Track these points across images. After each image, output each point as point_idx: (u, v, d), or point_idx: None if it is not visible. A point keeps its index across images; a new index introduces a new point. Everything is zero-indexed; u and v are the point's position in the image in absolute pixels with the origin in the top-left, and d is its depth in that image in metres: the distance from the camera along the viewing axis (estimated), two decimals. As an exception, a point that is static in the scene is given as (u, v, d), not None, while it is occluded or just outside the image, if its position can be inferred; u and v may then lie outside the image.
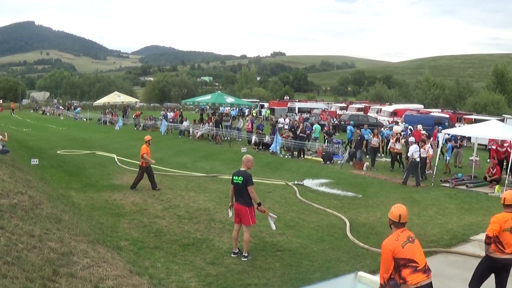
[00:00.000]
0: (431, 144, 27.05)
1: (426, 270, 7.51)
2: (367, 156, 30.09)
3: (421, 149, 25.60)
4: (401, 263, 7.41)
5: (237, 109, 61.13)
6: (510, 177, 23.14)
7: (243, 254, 12.21)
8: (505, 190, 22.03)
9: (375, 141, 28.78)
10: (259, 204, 12.31)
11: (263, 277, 11.07)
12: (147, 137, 21.46)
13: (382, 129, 37.61)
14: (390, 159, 29.45)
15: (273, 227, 13.13)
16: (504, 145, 26.02)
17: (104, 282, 8.64)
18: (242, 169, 12.43)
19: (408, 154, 24.51)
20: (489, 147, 29.98)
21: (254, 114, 69.92)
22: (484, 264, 9.20)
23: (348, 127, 36.84)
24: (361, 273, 7.52)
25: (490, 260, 9.02)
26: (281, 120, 47.83)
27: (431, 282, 7.58)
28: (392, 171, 27.89)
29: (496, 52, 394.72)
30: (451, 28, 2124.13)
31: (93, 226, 14.05)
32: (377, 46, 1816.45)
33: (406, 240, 7.46)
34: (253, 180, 12.38)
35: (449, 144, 28.96)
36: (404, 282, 7.41)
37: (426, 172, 26.41)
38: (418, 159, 24.20)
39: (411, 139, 26.68)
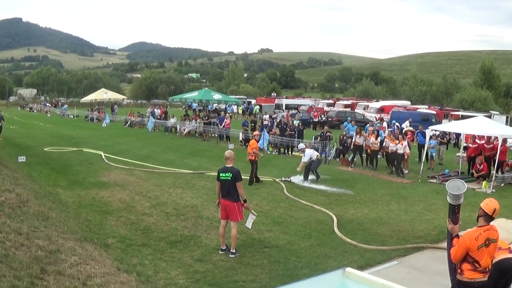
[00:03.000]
0: (408, 142, 27.00)
1: (485, 271, 7.66)
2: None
3: (399, 145, 25.73)
4: (467, 258, 7.64)
5: (230, 106, 61.57)
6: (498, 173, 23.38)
7: (231, 250, 12.23)
8: (492, 186, 22.36)
9: (358, 139, 28.63)
10: (245, 201, 12.36)
11: (251, 273, 11.10)
12: (256, 132, 23.29)
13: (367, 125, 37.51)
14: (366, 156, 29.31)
15: (249, 225, 13.27)
16: (494, 142, 25.96)
17: (92, 279, 8.65)
18: (228, 165, 12.43)
19: (304, 160, 24.09)
20: (467, 144, 29.80)
21: (240, 111, 70.00)
22: None
23: (345, 123, 36.98)
24: (349, 269, 7.50)
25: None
26: (266, 117, 47.87)
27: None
28: (373, 168, 27.84)
29: (484, 48, 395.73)
30: (440, 25, 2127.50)
31: (81, 224, 14.04)
32: (364, 42, 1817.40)
33: (483, 243, 7.58)
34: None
35: (433, 141, 28.99)
36: (461, 273, 7.70)
37: (404, 171, 26.40)
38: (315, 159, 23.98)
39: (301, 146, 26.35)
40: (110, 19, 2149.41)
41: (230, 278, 10.74)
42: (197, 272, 11.03)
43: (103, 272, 9.26)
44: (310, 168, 23.26)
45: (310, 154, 23.34)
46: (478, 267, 7.59)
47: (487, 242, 7.60)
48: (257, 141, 22.26)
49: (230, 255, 12.12)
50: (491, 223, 7.96)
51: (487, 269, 7.69)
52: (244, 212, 12.61)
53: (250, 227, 13.38)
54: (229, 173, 12.20)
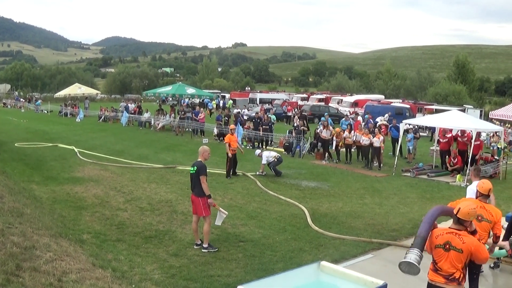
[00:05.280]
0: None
1: (449, 277, 7.32)
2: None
3: (375, 138, 25.88)
4: (432, 256, 7.54)
5: (211, 102, 61.53)
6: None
7: (203, 245, 12.26)
8: (466, 180, 22.53)
9: (325, 133, 28.69)
10: (208, 197, 12.28)
11: (226, 268, 11.14)
12: (232, 126, 24.66)
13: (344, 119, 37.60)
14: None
15: (219, 223, 13.16)
16: (465, 135, 26.17)
17: (67, 275, 8.62)
18: (198, 159, 12.50)
19: (263, 162, 23.74)
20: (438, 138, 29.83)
21: (214, 106, 69.95)
22: None
23: (322, 118, 37.06)
24: (323, 263, 7.56)
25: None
26: (235, 111, 47.98)
27: None
28: (348, 163, 27.88)
29: (458, 43, 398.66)
30: (413, 19, 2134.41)
31: (55, 220, 13.97)
32: (338, 37, 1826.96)
33: (441, 244, 7.34)
34: (207, 170, 12.54)
35: (409, 134, 29.18)
36: (428, 272, 7.59)
37: (378, 164, 26.55)
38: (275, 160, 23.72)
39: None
40: (84, 14, 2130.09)
41: (205, 273, 10.76)
42: (172, 267, 11.05)
43: (79, 268, 9.25)
44: (272, 166, 23.31)
45: (266, 155, 23.49)
46: (439, 270, 7.40)
47: (446, 246, 7.30)
48: (232, 135, 22.60)
49: (202, 250, 12.15)
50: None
51: (452, 277, 7.33)
52: (224, 207, 12.63)
53: (219, 224, 13.33)
54: (195, 167, 12.29)
